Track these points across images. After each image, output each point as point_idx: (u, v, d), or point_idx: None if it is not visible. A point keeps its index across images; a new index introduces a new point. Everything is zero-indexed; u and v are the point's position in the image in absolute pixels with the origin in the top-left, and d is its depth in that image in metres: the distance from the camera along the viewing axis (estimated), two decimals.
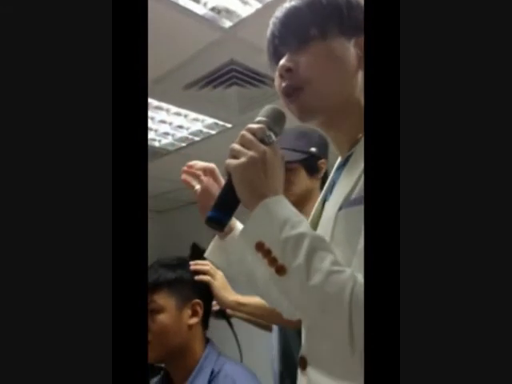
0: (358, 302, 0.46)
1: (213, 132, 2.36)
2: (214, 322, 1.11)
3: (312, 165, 1.21)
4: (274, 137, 0.57)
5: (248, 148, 0.54)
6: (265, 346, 1.38)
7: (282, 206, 0.53)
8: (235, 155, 0.55)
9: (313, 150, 1.20)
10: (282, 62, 0.61)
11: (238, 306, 1.07)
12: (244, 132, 0.56)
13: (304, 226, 0.51)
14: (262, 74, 1.80)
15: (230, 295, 1.07)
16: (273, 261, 0.50)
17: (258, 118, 0.59)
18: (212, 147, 2.50)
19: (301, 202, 1.16)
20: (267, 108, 0.60)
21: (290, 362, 1.17)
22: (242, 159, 0.54)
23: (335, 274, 0.47)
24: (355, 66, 0.61)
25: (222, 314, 1.18)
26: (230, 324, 1.16)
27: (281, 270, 0.49)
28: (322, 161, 1.22)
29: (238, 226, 0.72)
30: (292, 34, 0.61)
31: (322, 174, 1.23)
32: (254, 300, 1.05)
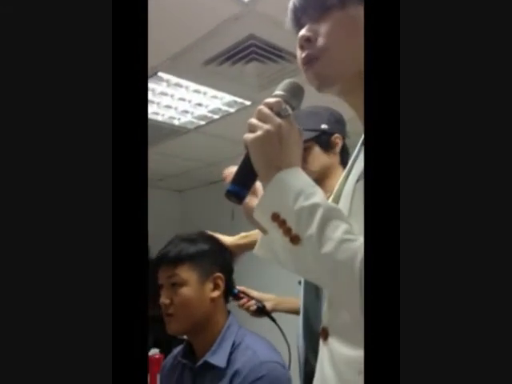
0: None
1: (232, 110, 2.34)
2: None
3: (325, 141, 1.22)
4: (290, 110, 0.57)
5: (264, 122, 0.55)
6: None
7: (297, 178, 0.54)
8: (252, 129, 0.56)
9: (323, 126, 1.21)
10: (302, 32, 0.60)
11: (241, 239, 1.08)
12: (261, 106, 0.57)
13: (318, 196, 0.52)
14: (282, 49, 1.76)
15: (228, 238, 1.08)
16: (288, 231, 0.51)
17: (276, 92, 0.59)
18: (231, 125, 2.49)
19: (320, 179, 1.17)
20: (285, 82, 0.60)
21: (313, 338, 1.19)
22: (258, 133, 0.55)
23: (347, 242, 0.48)
24: None
25: (263, 311, 1.17)
26: (273, 319, 1.14)
27: (295, 240, 0.51)
28: (336, 135, 1.23)
29: None
30: (312, 3, 0.60)
31: (338, 149, 1.24)
32: (252, 237, 1.03)
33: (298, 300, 1.28)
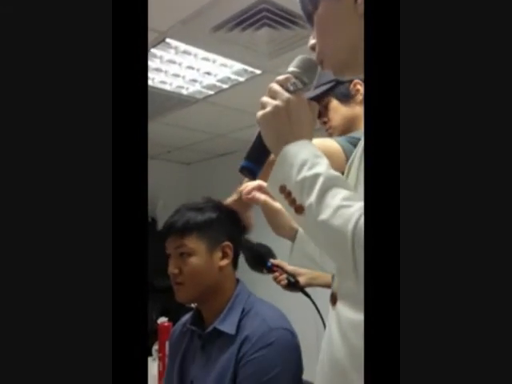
0: (361, 232, 0.47)
1: (241, 79, 2.29)
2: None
3: (343, 91, 1.14)
4: (299, 84, 0.59)
5: (273, 98, 0.58)
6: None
7: (303, 149, 0.55)
8: (263, 106, 0.58)
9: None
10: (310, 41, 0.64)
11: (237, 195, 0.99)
12: (272, 84, 0.60)
13: (321, 166, 0.53)
14: (296, 14, 1.69)
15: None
16: (292, 201, 0.54)
17: (288, 69, 0.62)
18: (240, 95, 2.44)
19: (348, 132, 1.09)
20: (298, 58, 0.63)
21: None
22: (267, 109, 0.57)
23: (343, 208, 0.49)
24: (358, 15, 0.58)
25: (295, 286, 1.15)
26: (307, 295, 1.13)
27: (299, 210, 0.53)
28: (356, 81, 1.14)
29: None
30: (302, 10, 0.65)
31: (361, 97, 1.13)
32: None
33: None
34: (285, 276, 1.14)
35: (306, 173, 0.52)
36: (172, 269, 0.98)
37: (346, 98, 1.13)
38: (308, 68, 0.62)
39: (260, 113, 0.58)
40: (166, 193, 3.60)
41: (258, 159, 0.61)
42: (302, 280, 1.18)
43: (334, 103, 1.15)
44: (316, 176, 0.52)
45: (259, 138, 0.59)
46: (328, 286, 1.30)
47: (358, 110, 1.14)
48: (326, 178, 0.52)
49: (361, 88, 1.13)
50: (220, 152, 3.65)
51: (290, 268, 1.16)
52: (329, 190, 0.51)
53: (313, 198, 0.51)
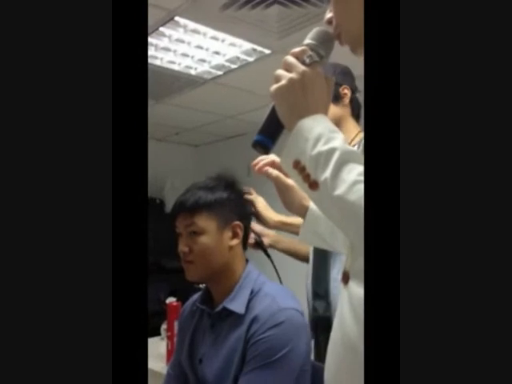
0: None
1: (250, 59, 2.25)
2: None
3: (333, 93, 1.22)
4: (315, 57, 0.58)
5: (289, 71, 0.56)
6: (298, 277, 1.41)
7: (318, 123, 0.54)
8: (277, 80, 0.57)
9: None
10: (326, 14, 0.62)
11: (284, 226, 1.11)
12: (287, 56, 0.58)
13: (337, 140, 0.52)
14: None
15: (274, 216, 1.10)
16: (307, 177, 0.53)
17: (304, 41, 0.61)
18: (249, 76, 2.40)
19: None
20: (314, 30, 0.62)
21: (322, 285, 1.25)
22: (282, 82, 0.56)
23: (359, 183, 0.48)
24: None
25: (260, 246, 1.21)
26: (268, 255, 1.18)
27: (313, 185, 0.52)
28: (344, 87, 1.28)
29: (312, 204, 0.78)
30: None
31: (347, 100, 1.28)
32: (298, 220, 1.05)
33: (296, 241, 1.32)
34: (253, 236, 1.20)
35: (321, 147, 0.51)
36: (182, 247, 0.98)
37: (336, 100, 1.27)
38: (324, 40, 0.60)
39: (274, 86, 0.57)
40: (174, 175, 3.60)
41: (271, 134, 0.60)
42: (265, 241, 1.25)
43: None
44: (331, 150, 0.51)
45: (273, 111, 0.58)
46: (287, 252, 1.39)
47: (345, 111, 1.29)
48: (342, 152, 0.51)
49: (348, 92, 1.28)
50: (229, 134, 3.62)
51: (257, 228, 1.22)
52: (344, 164, 0.50)
53: (328, 172, 0.50)
